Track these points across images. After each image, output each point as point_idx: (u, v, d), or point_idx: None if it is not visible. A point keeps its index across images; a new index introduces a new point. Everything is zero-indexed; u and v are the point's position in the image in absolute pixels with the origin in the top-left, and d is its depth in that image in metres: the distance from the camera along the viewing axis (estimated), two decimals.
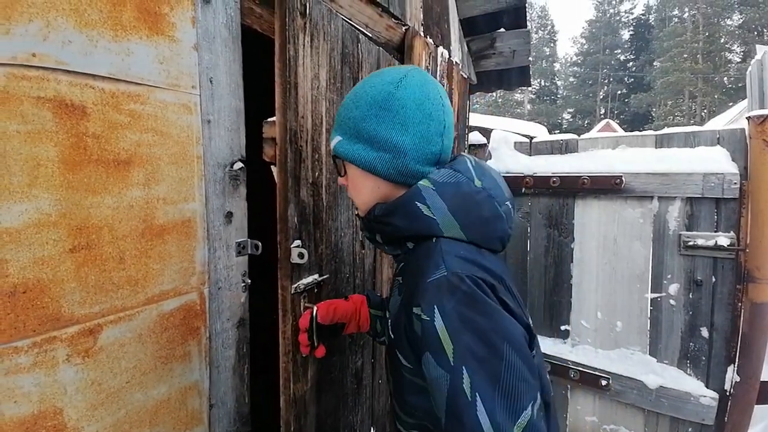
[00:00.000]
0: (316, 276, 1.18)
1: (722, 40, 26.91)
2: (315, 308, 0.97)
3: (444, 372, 0.56)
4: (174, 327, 0.97)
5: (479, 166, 0.73)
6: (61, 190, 0.74)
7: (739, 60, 26.64)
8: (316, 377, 1.20)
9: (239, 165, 1.12)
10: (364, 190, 0.76)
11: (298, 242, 1.09)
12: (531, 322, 0.72)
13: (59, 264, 0.75)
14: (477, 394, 0.54)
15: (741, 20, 26.29)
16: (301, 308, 1.11)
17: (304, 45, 1.10)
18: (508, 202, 0.72)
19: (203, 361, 1.05)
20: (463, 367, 0.55)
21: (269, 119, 1.16)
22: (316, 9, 1.15)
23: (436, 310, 0.59)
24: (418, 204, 0.68)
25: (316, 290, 1.18)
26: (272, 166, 1.12)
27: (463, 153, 0.75)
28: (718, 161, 1.55)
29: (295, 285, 1.08)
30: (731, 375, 1.54)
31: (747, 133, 1.52)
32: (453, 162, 0.73)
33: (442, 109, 0.71)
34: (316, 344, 0.99)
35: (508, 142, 2.05)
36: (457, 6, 2.64)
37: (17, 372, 0.70)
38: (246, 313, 1.18)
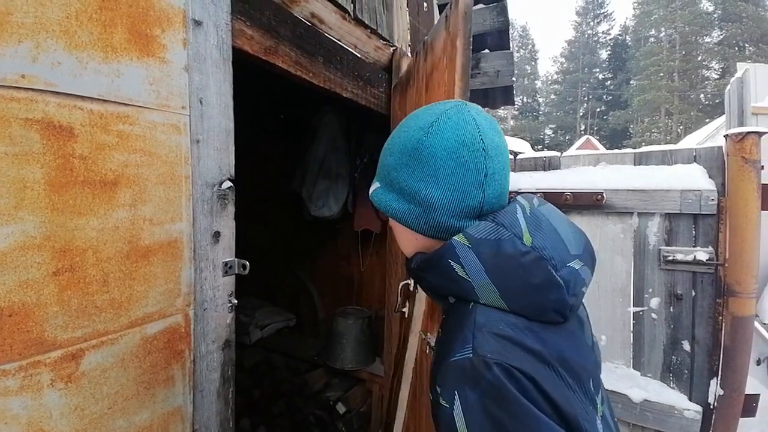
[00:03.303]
0: None
1: (699, 58, 27.92)
2: None
3: None
4: (157, 351, 0.95)
5: (534, 217, 0.60)
6: (47, 212, 0.73)
7: (717, 77, 27.48)
8: None
9: (228, 184, 1.12)
10: (403, 240, 0.70)
11: None
12: (599, 401, 0.58)
13: (43, 287, 0.73)
14: None
15: (721, 36, 27.18)
16: None
17: None
18: (573, 263, 0.58)
19: (187, 385, 1.03)
20: None
21: None
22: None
23: (456, 399, 0.49)
24: (452, 263, 0.58)
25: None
26: None
27: (518, 198, 0.64)
28: (695, 178, 1.61)
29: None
30: (714, 388, 1.56)
31: (725, 150, 1.56)
32: (498, 212, 0.60)
33: (483, 155, 0.60)
34: None
35: None
36: None
37: (6, 395, 0.69)
38: (232, 335, 1.17)
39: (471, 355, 0.50)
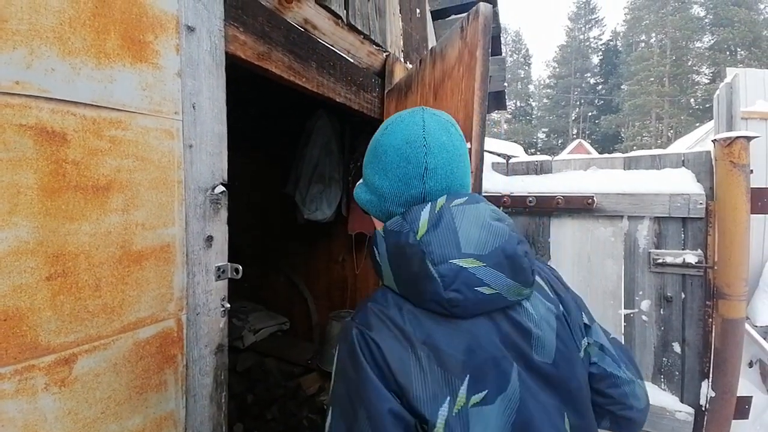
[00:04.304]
0: None
1: (689, 63, 28.18)
2: None
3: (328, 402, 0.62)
4: (150, 355, 0.95)
5: (438, 216, 0.65)
6: (39, 217, 0.73)
7: (707, 81, 27.62)
8: None
9: (221, 189, 1.12)
10: (376, 228, 0.78)
11: None
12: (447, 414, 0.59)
13: (36, 292, 0.73)
14: None
15: (712, 41, 27.36)
16: None
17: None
18: (459, 261, 0.61)
19: (179, 389, 1.03)
20: (331, 408, 0.60)
21: None
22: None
23: (337, 348, 0.64)
24: (375, 249, 0.69)
25: None
26: None
27: (443, 197, 0.68)
28: (683, 182, 1.64)
29: None
30: (706, 390, 1.58)
31: (713, 155, 1.58)
32: (411, 208, 0.68)
33: (425, 151, 0.68)
34: None
35: (486, 163, 2.11)
36: (435, 34, 2.74)
37: (2, 398, 0.70)
38: (225, 339, 1.17)
39: (349, 319, 0.64)
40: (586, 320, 0.76)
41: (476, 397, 0.59)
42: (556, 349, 0.66)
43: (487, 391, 0.60)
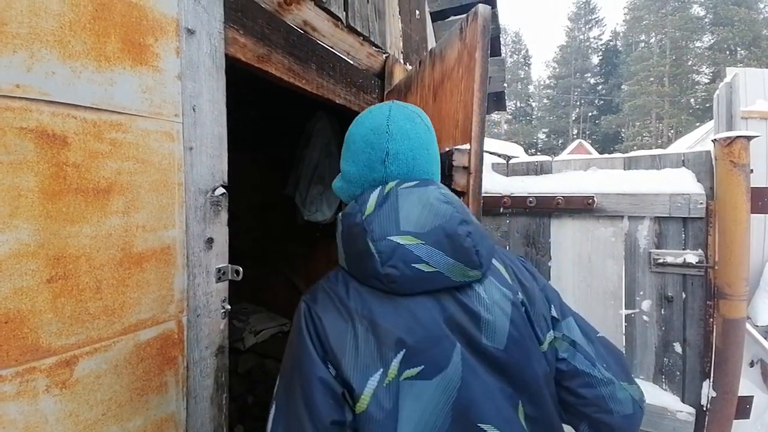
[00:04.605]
0: None
1: (690, 63, 28.12)
2: None
3: None
4: (151, 357, 0.95)
5: (384, 197, 0.68)
6: (40, 219, 0.74)
7: (708, 81, 27.54)
8: None
9: (221, 191, 1.12)
10: None
11: None
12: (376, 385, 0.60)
13: (37, 294, 0.73)
14: (275, 399, 0.64)
15: (712, 41, 27.30)
16: None
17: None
18: (397, 238, 0.63)
19: (180, 391, 1.03)
20: (278, 378, 0.66)
21: (460, 146, 1.16)
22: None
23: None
24: (336, 230, 0.73)
25: None
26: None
27: (408, 181, 0.71)
28: (683, 182, 1.64)
29: None
30: (707, 390, 1.58)
31: (713, 154, 1.59)
32: (364, 192, 0.71)
33: (387, 137, 0.72)
34: None
35: (486, 163, 2.11)
36: (435, 35, 2.75)
37: (4, 400, 0.70)
38: (225, 341, 1.17)
39: (304, 293, 0.71)
40: (555, 313, 0.74)
41: (409, 372, 0.61)
42: (509, 336, 0.66)
43: (423, 366, 0.61)
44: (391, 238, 0.63)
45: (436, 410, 0.61)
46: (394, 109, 0.75)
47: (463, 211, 0.67)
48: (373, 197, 0.68)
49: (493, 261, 0.73)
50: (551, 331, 0.72)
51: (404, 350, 0.61)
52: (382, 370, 0.60)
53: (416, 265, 0.63)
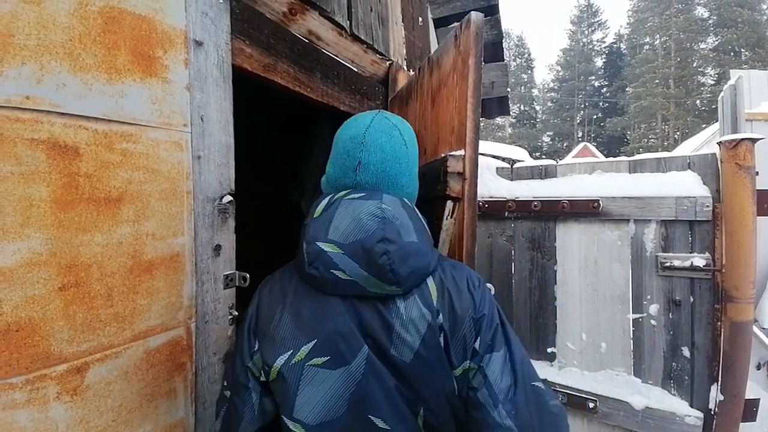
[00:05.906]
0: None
1: (695, 65, 28.03)
2: None
3: None
4: (160, 363, 0.96)
5: (329, 205, 0.75)
6: (53, 229, 0.75)
7: (712, 82, 27.44)
8: None
9: (228, 198, 1.14)
10: None
11: None
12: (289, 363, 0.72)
13: (49, 302, 0.75)
14: None
15: (716, 42, 27.23)
16: None
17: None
18: (323, 245, 0.70)
19: (189, 397, 1.04)
20: None
21: (455, 152, 1.15)
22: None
23: None
24: None
25: None
26: (448, 201, 1.14)
27: (358, 192, 0.76)
28: (689, 185, 1.63)
29: None
30: (715, 394, 1.56)
31: (719, 157, 1.58)
32: (321, 197, 0.80)
33: (361, 148, 0.78)
34: None
35: (491, 167, 2.12)
36: (438, 42, 2.77)
37: (14, 407, 0.71)
38: (232, 347, 1.18)
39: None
40: (477, 346, 0.72)
41: (316, 360, 0.70)
42: (416, 353, 0.70)
43: (329, 357, 0.70)
44: (319, 243, 0.71)
45: (336, 396, 0.69)
46: (375, 120, 0.81)
47: (390, 230, 0.69)
48: (323, 204, 0.76)
49: (428, 280, 0.74)
50: (467, 361, 0.72)
51: (315, 340, 0.70)
52: (292, 350, 0.71)
53: (334, 271, 0.70)
